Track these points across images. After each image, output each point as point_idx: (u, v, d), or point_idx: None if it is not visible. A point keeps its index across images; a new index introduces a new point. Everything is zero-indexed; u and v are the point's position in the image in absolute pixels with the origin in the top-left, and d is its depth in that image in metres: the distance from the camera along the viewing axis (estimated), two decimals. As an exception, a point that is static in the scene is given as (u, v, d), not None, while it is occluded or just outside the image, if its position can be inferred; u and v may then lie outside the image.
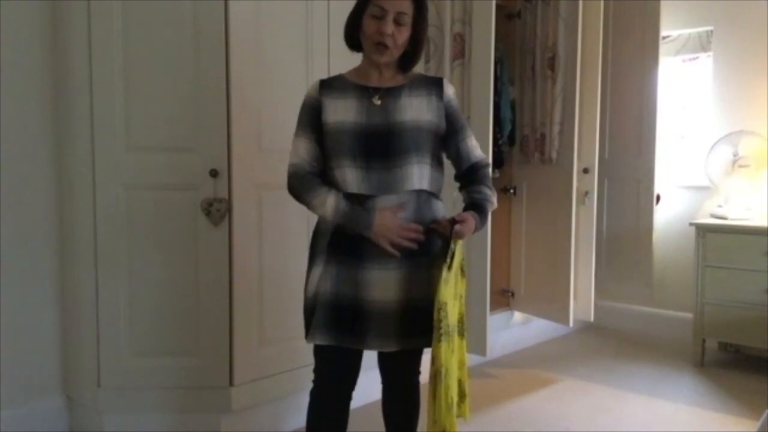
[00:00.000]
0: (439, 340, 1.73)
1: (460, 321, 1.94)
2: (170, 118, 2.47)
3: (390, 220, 1.79)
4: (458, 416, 1.97)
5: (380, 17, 1.80)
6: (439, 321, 1.72)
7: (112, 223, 2.47)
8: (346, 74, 1.94)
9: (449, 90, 1.93)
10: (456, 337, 1.92)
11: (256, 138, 2.56)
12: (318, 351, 1.90)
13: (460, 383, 1.97)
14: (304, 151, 1.88)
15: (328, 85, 1.90)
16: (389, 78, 1.90)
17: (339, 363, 1.89)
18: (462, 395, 1.98)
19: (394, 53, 1.84)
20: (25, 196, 2.54)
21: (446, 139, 1.93)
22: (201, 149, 2.49)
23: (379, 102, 1.85)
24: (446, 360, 1.74)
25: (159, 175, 2.49)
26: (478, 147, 1.99)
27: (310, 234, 1.97)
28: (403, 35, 1.83)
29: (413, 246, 1.80)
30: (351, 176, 1.81)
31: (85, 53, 2.42)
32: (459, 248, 1.85)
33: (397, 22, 1.80)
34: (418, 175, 1.83)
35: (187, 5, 2.44)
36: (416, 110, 1.85)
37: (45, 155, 2.58)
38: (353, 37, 1.90)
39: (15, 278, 2.52)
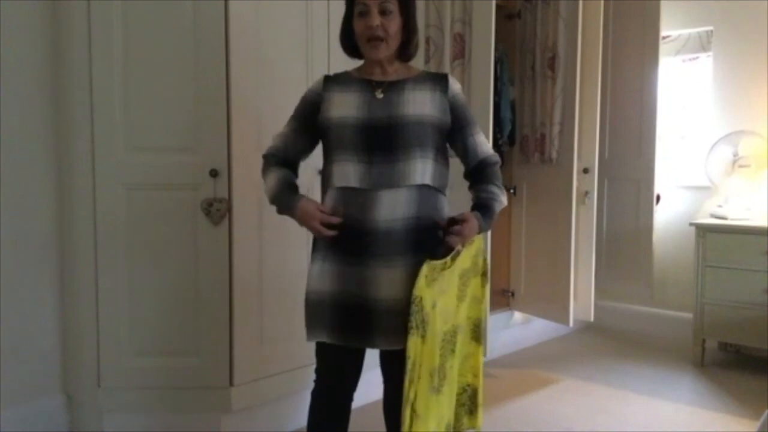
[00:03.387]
0: (408, 333, 1.71)
1: (477, 325, 1.92)
2: (170, 118, 2.47)
3: (312, 208, 1.82)
4: (470, 428, 1.95)
5: (366, 13, 1.81)
6: (409, 314, 1.71)
7: (112, 223, 2.47)
8: (350, 71, 1.95)
9: (455, 86, 1.92)
10: (471, 342, 1.91)
11: (256, 138, 2.56)
12: (320, 351, 1.89)
13: (474, 391, 1.95)
14: (279, 138, 1.96)
15: (332, 80, 1.91)
16: (392, 73, 1.89)
17: (340, 363, 1.88)
18: (474, 405, 1.95)
19: (390, 44, 1.84)
20: (25, 196, 2.54)
21: (452, 135, 1.92)
22: (201, 149, 2.49)
23: (381, 95, 1.84)
24: (415, 354, 1.72)
25: (159, 175, 2.49)
26: (487, 143, 1.97)
27: (310, 234, 1.97)
28: (393, 23, 1.82)
29: (331, 233, 1.80)
30: (352, 170, 1.81)
31: (85, 53, 2.42)
32: (476, 250, 1.85)
33: (384, 12, 1.80)
34: (421, 170, 1.82)
35: (187, 5, 2.44)
36: (419, 104, 1.84)
37: (45, 155, 2.58)
38: (350, 44, 1.90)
39: (15, 278, 2.52)
